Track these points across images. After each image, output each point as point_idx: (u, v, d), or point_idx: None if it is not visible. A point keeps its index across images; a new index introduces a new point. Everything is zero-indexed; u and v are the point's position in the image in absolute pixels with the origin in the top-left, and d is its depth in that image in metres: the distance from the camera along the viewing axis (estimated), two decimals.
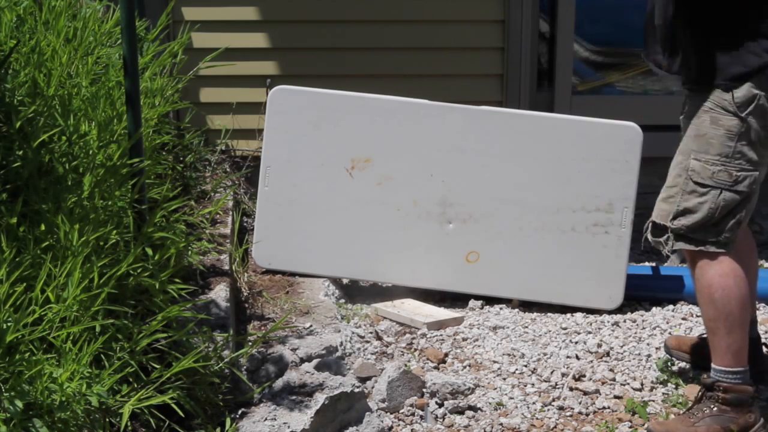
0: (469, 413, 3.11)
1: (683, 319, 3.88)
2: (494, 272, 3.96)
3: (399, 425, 3.04)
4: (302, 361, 3.08)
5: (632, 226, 3.90)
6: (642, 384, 3.34)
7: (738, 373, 2.94)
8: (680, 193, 2.96)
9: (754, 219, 4.57)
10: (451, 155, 3.97)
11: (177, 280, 2.74)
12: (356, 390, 2.86)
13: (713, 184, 2.91)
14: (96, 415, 2.27)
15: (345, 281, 4.15)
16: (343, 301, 3.94)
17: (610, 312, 3.91)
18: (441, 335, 3.67)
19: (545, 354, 3.52)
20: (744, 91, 2.86)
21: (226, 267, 3.39)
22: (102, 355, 2.38)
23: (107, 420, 2.30)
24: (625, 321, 3.85)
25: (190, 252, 3.12)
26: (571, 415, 3.15)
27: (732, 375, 2.94)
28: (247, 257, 4.03)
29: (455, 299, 4.02)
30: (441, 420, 3.09)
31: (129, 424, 2.30)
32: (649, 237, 3.06)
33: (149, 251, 2.71)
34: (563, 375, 3.37)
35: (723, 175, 2.90)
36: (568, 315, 3.90)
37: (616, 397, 3.26)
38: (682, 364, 3.45)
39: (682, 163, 2.97)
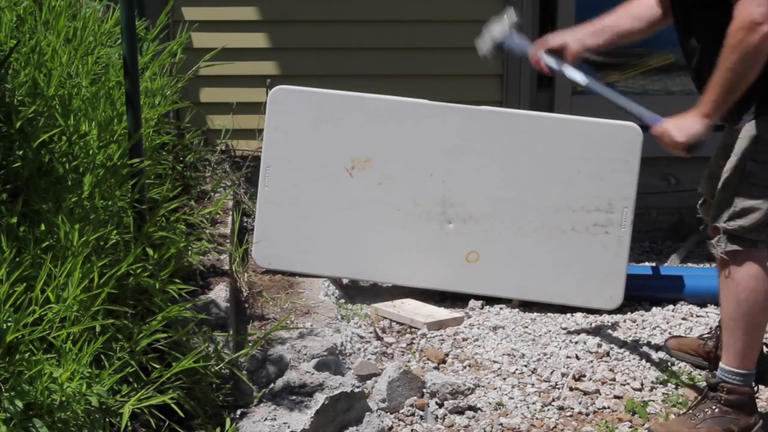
0: (469, 413, 3.11)
1: (683, 319, 3.88)
2: (494, 272, 3.96)
3: (399, 425, 3.04)
4: (302, 361, 3.08)
5: (632, 226, 3.90)
6: (642, 384, 3.34)
7: (745, 375, 2.94)
8: (735, 195, 2.89)
9: None
10: (451, 155, 3.96)
11: (177, 280, 2.74)
12: (356, 390, 2.86)
13: None
14: (96, 415, 2.27)
15: (345, 281, 4.14)
16: (343, 301, 3.93)
17: (610, 312, 3.91)
18: (441, 335, 3.67)
19: (545, 354, 3.51)
20: None
21: (226, 267, 3.38)
22: (102, 355, 2.38)
23: (107, 420, 2.30)
24: (625, 321, 3.85)
25: (190, 252, 3.12)
26: (571, 415, 3.15)
27: (738, 377, 2.93)
28: (247, 257, 4.03)
29: (455, 299, 4.02)
30: (441, 420, 3.09)
31: (129, 424, 2.30)
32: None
33: (149, 251, 2.71)
34: (563, 375, 3.37)
35: None
36: (568, 315, 3.90)
37: (616, 397, 3.26)
38: (682, 364, 3.46)
39: (737, 165, 2.90)
